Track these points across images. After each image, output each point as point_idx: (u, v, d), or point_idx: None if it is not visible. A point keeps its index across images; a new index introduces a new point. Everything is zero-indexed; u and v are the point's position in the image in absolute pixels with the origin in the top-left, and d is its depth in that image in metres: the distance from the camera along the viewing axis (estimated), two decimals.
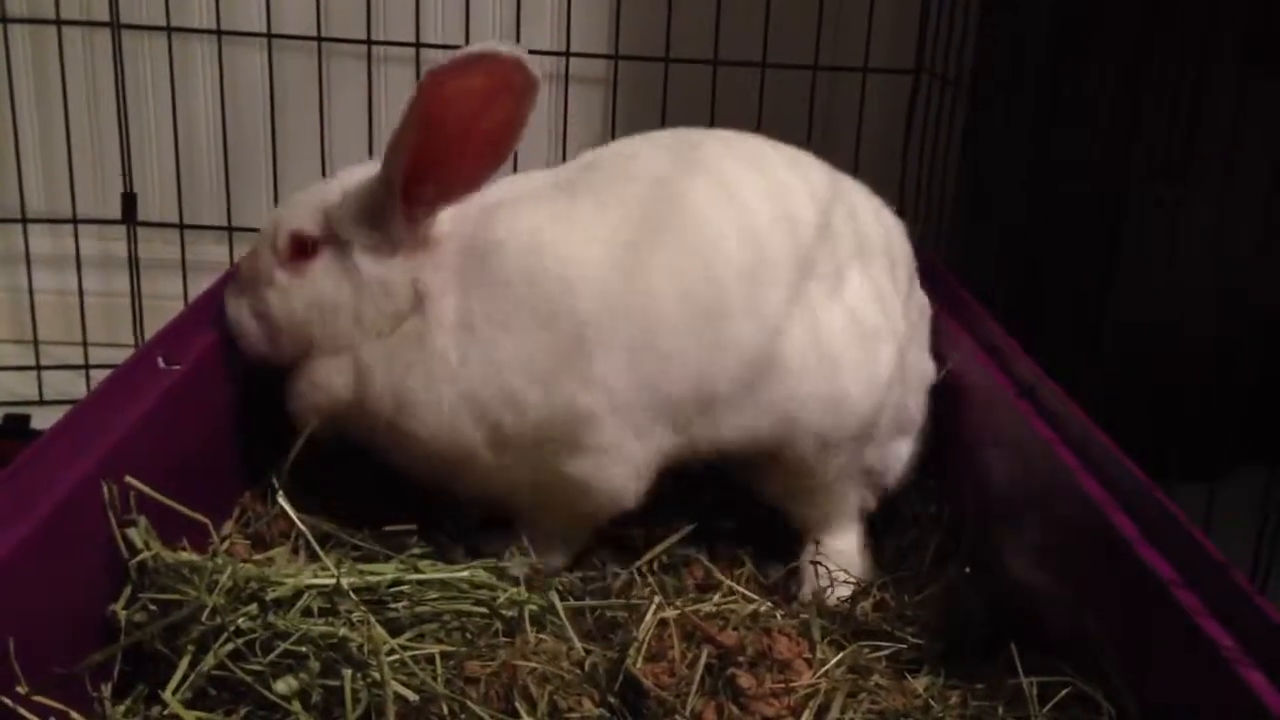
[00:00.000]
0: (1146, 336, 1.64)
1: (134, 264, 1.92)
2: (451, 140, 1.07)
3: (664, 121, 1.86)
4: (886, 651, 1.04)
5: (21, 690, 0.77)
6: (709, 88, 1.87)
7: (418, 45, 1.90)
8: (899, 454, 1.25)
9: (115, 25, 1.85)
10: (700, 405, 1.11)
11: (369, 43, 1.89)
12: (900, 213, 1.85)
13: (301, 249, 1.16)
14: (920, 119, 1.89)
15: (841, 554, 1.22)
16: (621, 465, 1.10)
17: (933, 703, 0.96)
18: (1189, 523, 0.87)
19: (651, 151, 1.19)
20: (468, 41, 1.90)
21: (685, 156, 1.17)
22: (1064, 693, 0.88)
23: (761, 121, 1.85)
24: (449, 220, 1.14)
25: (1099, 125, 1.68)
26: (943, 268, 1.50)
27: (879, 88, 1.95)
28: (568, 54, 1.93)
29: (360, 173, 1.17)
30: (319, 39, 1.89)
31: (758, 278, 1.12)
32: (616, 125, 1.95)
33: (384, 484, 1.22)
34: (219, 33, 1.90)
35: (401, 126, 1.05)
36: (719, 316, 1.10)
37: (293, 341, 1.16)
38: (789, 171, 1.20)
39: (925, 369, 1.27)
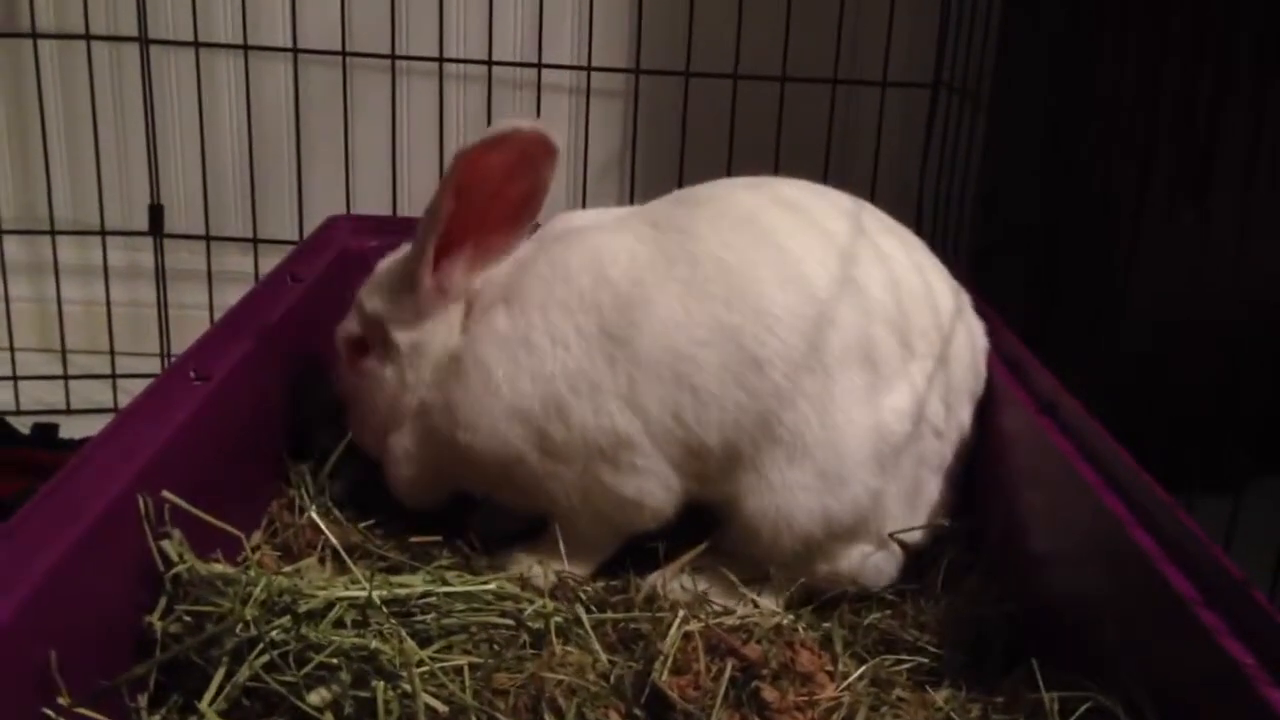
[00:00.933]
0: (1165, 348, 1.64)
1: (160, 275, 1.94)
2: (482, 209, 1.14)
3: (684, 135, 1.88)
4: (908, 665, 1.05)
5: (63, 702, 0.78)
6: (729, 102, 1.88)
7: (441, 60, 1.92)
8: (871, 563, 1.17)
9: (143, 40, 1.88)
10: (727, 456, 1.13)
11: (393, 57, 1.92)
12: (918, 226, 1.86)
13: (357, 349, 1.24)
14: (939, 133, 1.90)
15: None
16: (660, 487, 1.14)
17: (954, 715, 0.97)
18: (1209, 540, 0.88)
19: (743, 193, 1.21)
20: (490, 55, 1.92)
21: (778, 203, 1.19)
22: (1084, 707, 0.89)
23: (781, 135, 1.87)
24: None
25: (1116, 139, 1.69)
26: (961, 281, 1.50)
27: (898, 102, 1.96)
28: (589, 68, 1.94)
29: (387, 263, 1.25)
30: (343, 53, 1.91)
31: (806, 361, 1.12)
32: (637, 139, 1.97)
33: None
34: (245, 47, 1.93)
35: (435, 200, 1.11)
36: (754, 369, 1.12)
37: (373, 433, 1.24)
38: (896, 252, 1.21)
39: (931, 492, 1.20)
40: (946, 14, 1.89)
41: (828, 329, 1.12)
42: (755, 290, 1.12)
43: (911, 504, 1.18)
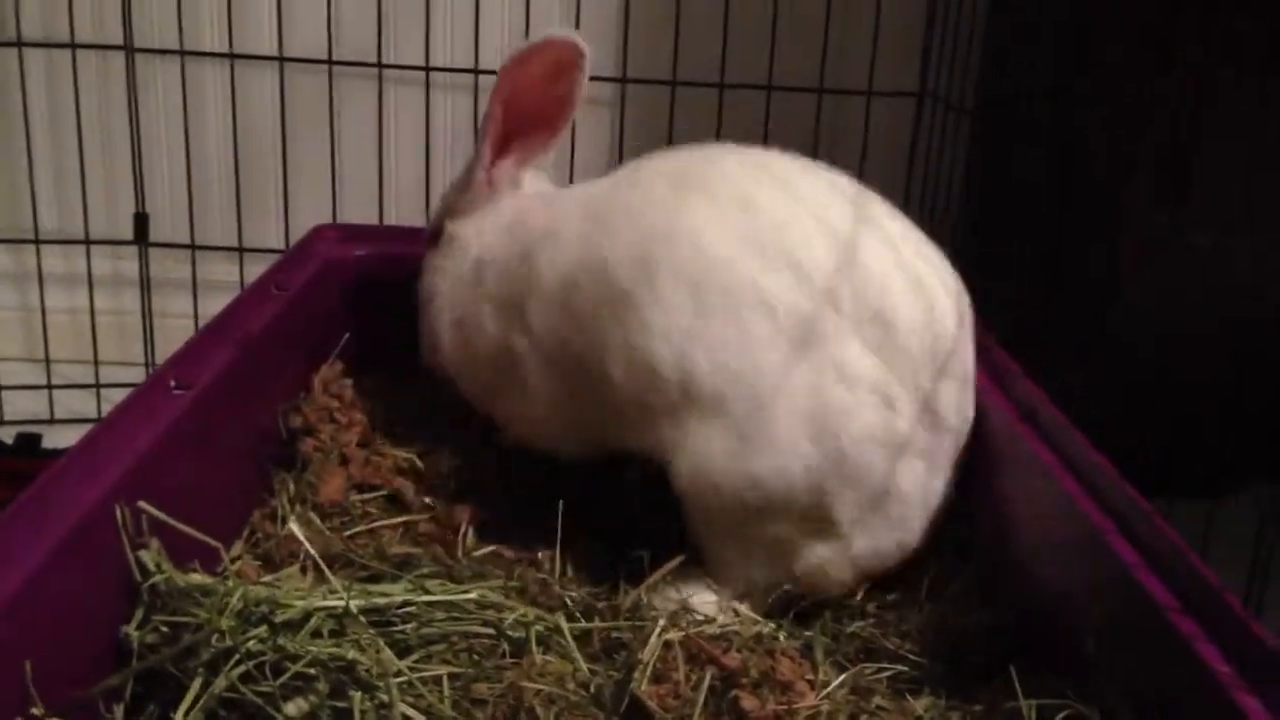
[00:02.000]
0: (1150, 356, 1.65)
1: (145, 284, 1.94)
2: (525, 113, 1.29)
3: (670, 144, 1.87)
4: (889, 673, 1.05)
5: (37, 712, 0.78)
6: (715, 110, 1.88)
7: (427, 69, 1.92)
8: (830, 560, 1.12)
9: (129, 49, 1.88)
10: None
11: (379, 66, 1.92)
12: None
13: (432, 238, 1.39)
14: (924, 142, 1.90)
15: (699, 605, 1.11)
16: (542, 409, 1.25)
17: None
18: (1187, 548, 0.88)
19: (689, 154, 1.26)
20: (477, 64, 1.93)
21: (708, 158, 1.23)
22: (1062, 715, 0.89)
23: (767, 144, 1.87)
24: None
25: (1101, 149, 1.70)
26: None
27: (883, 111, 1.97)
28: None
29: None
30: (329, 62, 1.92)
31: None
32: (624, 148, 1.97)
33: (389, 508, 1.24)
34: (231, 56, 1.93)
35: (489, 109, 1.28)
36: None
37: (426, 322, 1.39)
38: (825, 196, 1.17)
39: (929, 488, 1.13)
40: (932, 24, 1.89)
41: (722, 269, 1.09)
42: (648, 222, 1.15)
43: (876, 503, 1.10)
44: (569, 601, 1.11)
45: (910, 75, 1.96)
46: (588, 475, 1.30)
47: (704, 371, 1.08)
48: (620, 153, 1.97)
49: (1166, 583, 0.87)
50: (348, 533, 1.22)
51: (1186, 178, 1.64)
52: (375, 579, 1.12)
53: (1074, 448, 1.08)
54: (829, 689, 0.98)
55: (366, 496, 1.29)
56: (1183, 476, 1.06)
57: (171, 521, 0.96)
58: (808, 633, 1.11)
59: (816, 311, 1.07)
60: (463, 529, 1.25)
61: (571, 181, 1.97)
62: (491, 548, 1.23)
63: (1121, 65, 1.69)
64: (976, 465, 1.24)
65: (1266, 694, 0.76)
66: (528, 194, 1.34)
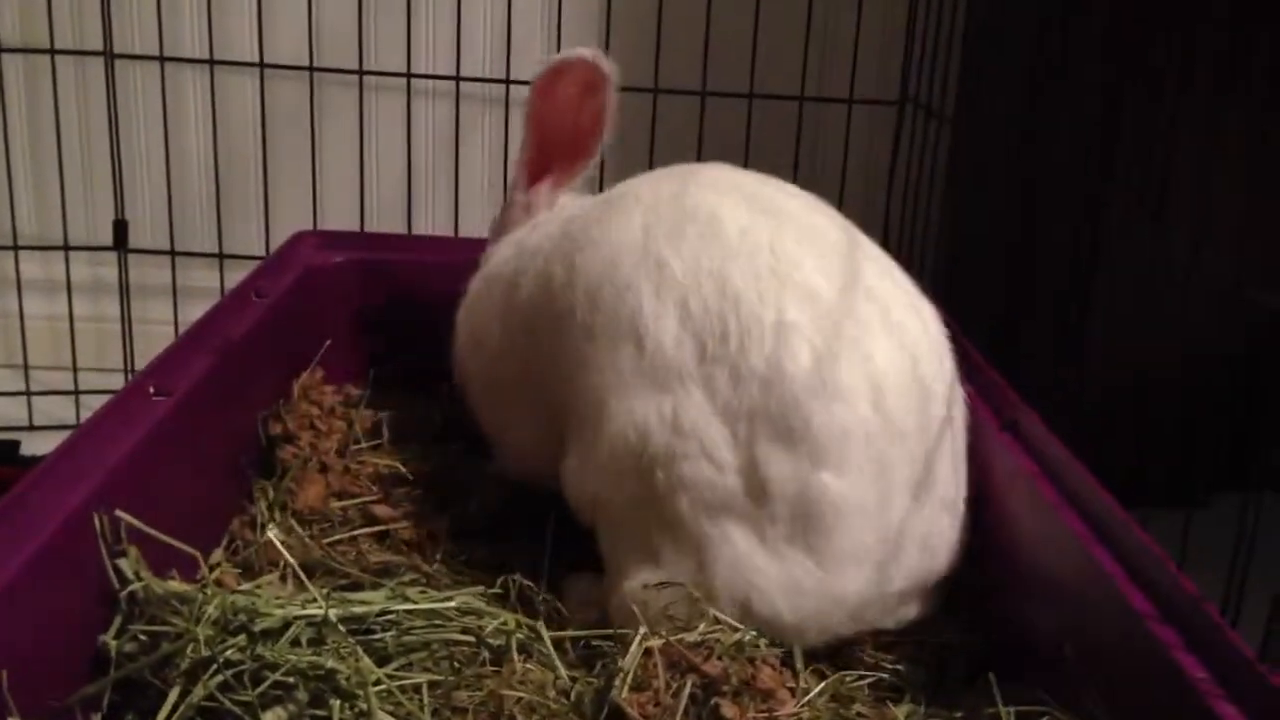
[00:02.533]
0: (1128, 363, 1.66)
1: (125, 290, 1.93)
2: (558, 136, 1.30)
3: (652, 150, 1.88)
4: (869, 680, 1.05)
5: None
6: (697, 118, 1.89)
7: (409, 75, 1.92)
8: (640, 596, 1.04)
9: (108, 55, 1.87)
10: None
11: (360, 73, 1.91)
12: (885, 241, 1.87)
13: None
14: (905, 149, 1.91)
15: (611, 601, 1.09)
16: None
17: None
18: (1166, 556, 0.89)
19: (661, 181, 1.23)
20: (458, 72, 1.93)
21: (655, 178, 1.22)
22: None
23: (749, 152, 1.88)
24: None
25: (1079, 157, 1.71)
26: (926, 297, 1.51)
27: (865, 119, 1.97)
28: None
29: None
30: (310, 69, 1.91)
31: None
32: (605, 155, 1.97)
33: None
34: (211, 62, 1.92)
35: (524, 132, 1.30)
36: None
37: None
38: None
39: (818, 485, 1.00)
40: (912, 32, 1.90)
41: (617, 296, 1.08)
42: (574, 244, 1.16)
43: (697, 551, 1.02)
44: (553, 610, 1.11)
45: (891, 83, 1.97)
46: None
47: (574, 392, 1.11)
48: (601, 161, 1.97)
49: (1145, 591, 0.88)
50: (327, 540, 1.22)
51: (1162, 187, 1.65)
52: (355, 587, 1.12)
53: (1054, 457, 1.09)
54: (809, 696, 0.98)
55: (346, 504, 1.28)
56: (1161, 485, 1.07)
57: (148, 530, 0.95)
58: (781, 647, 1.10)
59: (677, 354, 1.03)
60: (443, 537, 1.25)
61: None
62: (472, 555, 1.23)
63: (1095, 75, 1.70)
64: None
65: (1244, 702, 0.76)
66: (545, 214, 1.34)
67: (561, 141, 1.30)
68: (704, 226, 1.08)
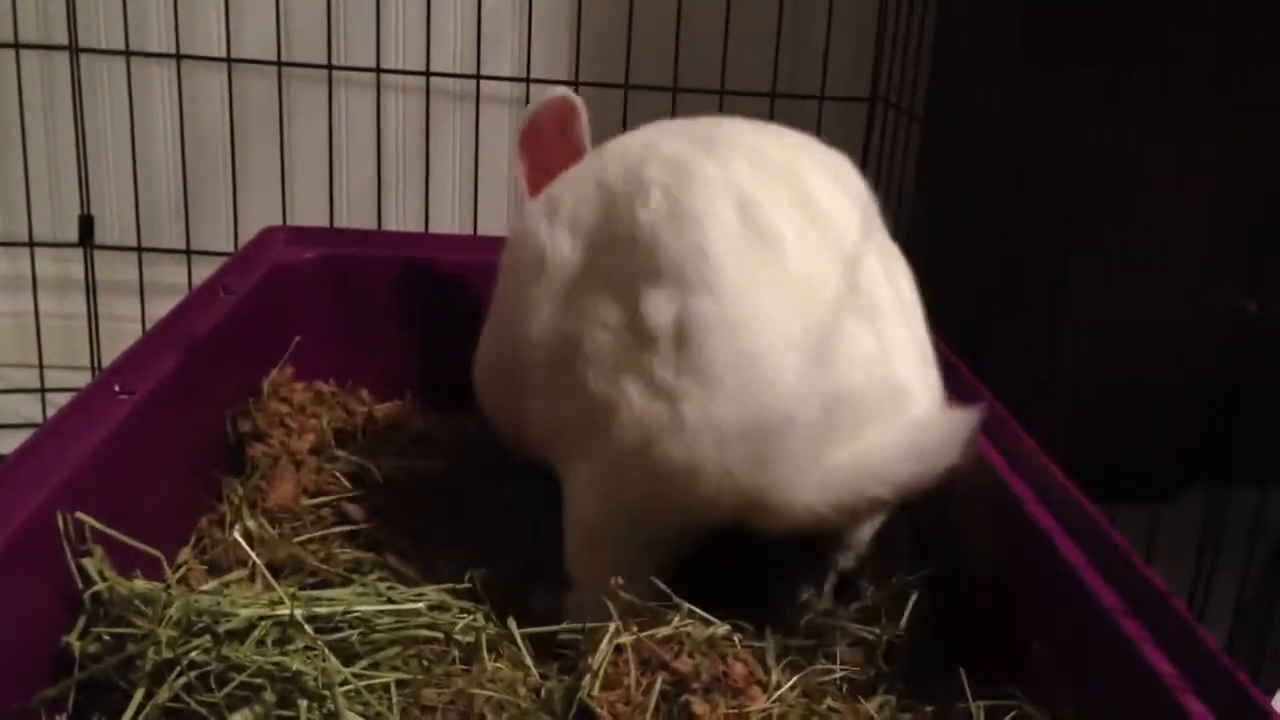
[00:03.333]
0: (1100, 361, 1.67)
1: (91, 286, 1.91)
2: (547, 158, 1.28)
3: None
4: (841, 675, 1.05)
5: None
6: (669, 114, 1.88)
7: (378, 70, 1.91)
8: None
9: (74, 49, 1.85)
10: None
11: (329, 67, 1.90)
12: None
13: None
14: (876, 147, 1.91)
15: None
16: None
17: None
18: (1133, 551, 0.90)
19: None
20: (428, 67, 1.92)
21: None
22: (1010, 716, 0.90)
23: None
24: None
25: (1052, 156, 1.72)
26: None
27: (836, 116, 1.98)
28: (528, 80, 1.94)
29: None
30: (279, 63, 1.90)
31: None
32: None
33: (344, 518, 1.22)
34: (178, 56, 1.91)
35: (519, 157, 1.29)
36: None
37: None
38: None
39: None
40: (883, 29, 1.91)
41: (523, 240, 1.16)
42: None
43: (608, 423, 1.00)
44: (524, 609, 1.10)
45: (862, 80, 1.97)
46: (543, 481, 1.30)
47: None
48: None
49: (1113, 586, 0.88)
50: (298, 539, 1.21)
51: (1132, 188, 1.66)
52: (326, 585, 1.11)
53: (1023, 452, 1.09)
54: (780, 691, 0.98)
55: (318, 501, 1.27)
56: (1132, 481, 1.07)
57: (109, 531, 0.94)
58: (761, 642, 1.10)
59: (571, 258, 1.09)
60: (416, 534, 1.24)
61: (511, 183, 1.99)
62: (444, 552, 1.23)
63: (1067, 74, 1.71)
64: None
65: (1210, 696, 0.77)
66: None
67: (553, 159, 1.30)
68: (594, 157, 1.17)
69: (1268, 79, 1.64)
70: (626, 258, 1.02)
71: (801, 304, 0.98)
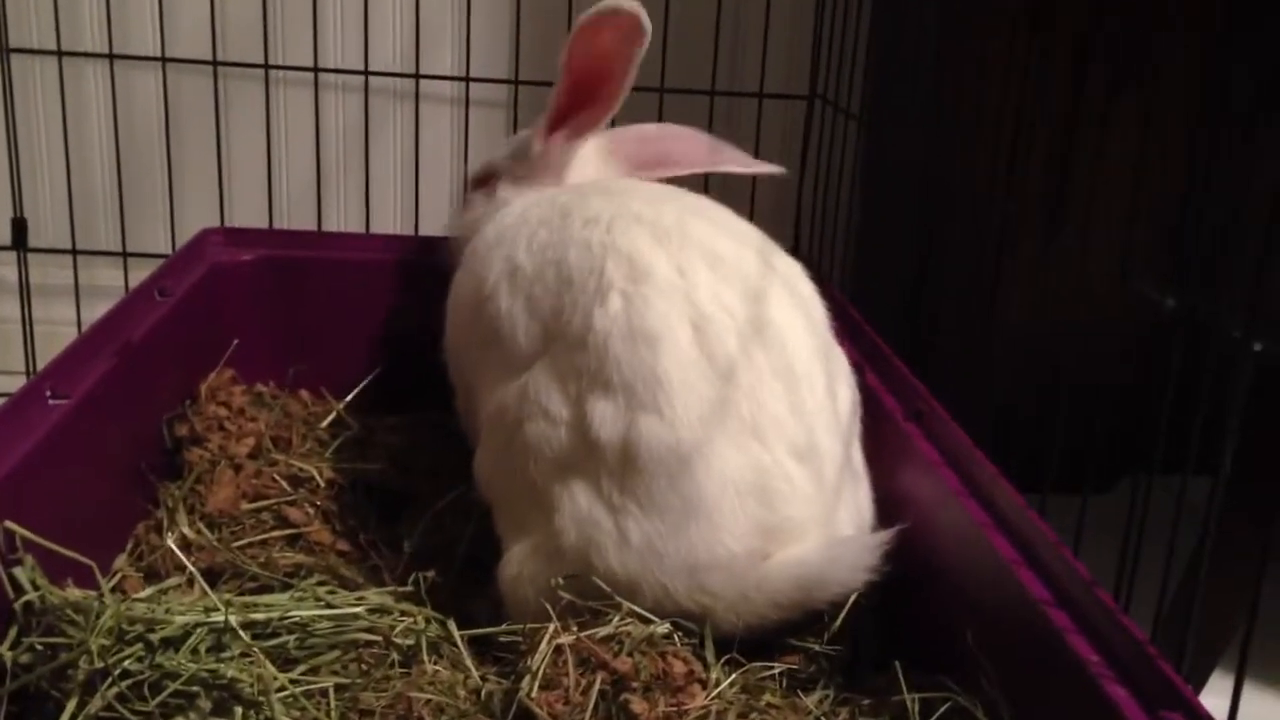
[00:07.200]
0: (1032, 354, 1.69)
1: (25, 290, 1.88)
2: (586, 84, 1.30)
3: None
4: (779, 670, 1.06)
5: None
6: None
7: (316, 70, 1.89)
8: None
9: (4, 49, 1.82)
10: None
11: (266, 67, 1.88)
12: (796, 237, 1.89)
13: (481, 181, 1.43)
14: (815, 145, 1.93)
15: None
16: None
17: (822, 719, 0.98)
18: (1060, 542, 0.91)
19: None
20: (366, 66, 1.90)
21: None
22: (944, 707, 0.92)
23: None
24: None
25: (985, 154, 1.74)
26: (835, 289, 1.53)
27: (777, 114, 1.99)
28: (468, 79, 1.93)
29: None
30: (214, 63, 1.88)
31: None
32: None
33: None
34: (111, 56, 1.88)
35: (560, 77, 1.30)
36: None
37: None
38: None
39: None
40: (820, 27, 1.92)
41: (484, 305, 1.16)
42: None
43: (548, 513, 1.02)
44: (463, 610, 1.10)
45: (802, 78, 1.98)
46: None
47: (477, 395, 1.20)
48: None
49: (1040, 576, 0.90)
50: (238, 543, 1.20)
51: (1064, 183, 1.69)
52: (265, 589, 1.11)
53: (956, 446, 1.11)
54: (719, 688, 0.98)
55: (258, 506, 1.27)
56: (1066, 471, 1.09)
57: (38, 539, 0.93)
58: (694, 639, 1.11)
59: (527, 342, 1.10)
60: (356, 538, 1.24)
61: (467, 188, 1.98)
62: (384, 555, 1.22)
63: (997, 73, 1.74)
64: (869, 464, 1.26)
65: (1134, 684, 0.78)
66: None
67: (592, 88, 1.31)
68: (559, 219, 1.15)
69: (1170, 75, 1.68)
70: (579, 358, 1.03)
71: (748, 441, 1.00)
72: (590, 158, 1.40)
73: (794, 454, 1.02)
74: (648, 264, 1.05)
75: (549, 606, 1.00)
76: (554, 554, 1.02)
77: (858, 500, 1.10)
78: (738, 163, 1.50)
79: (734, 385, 1.01)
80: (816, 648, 1.06)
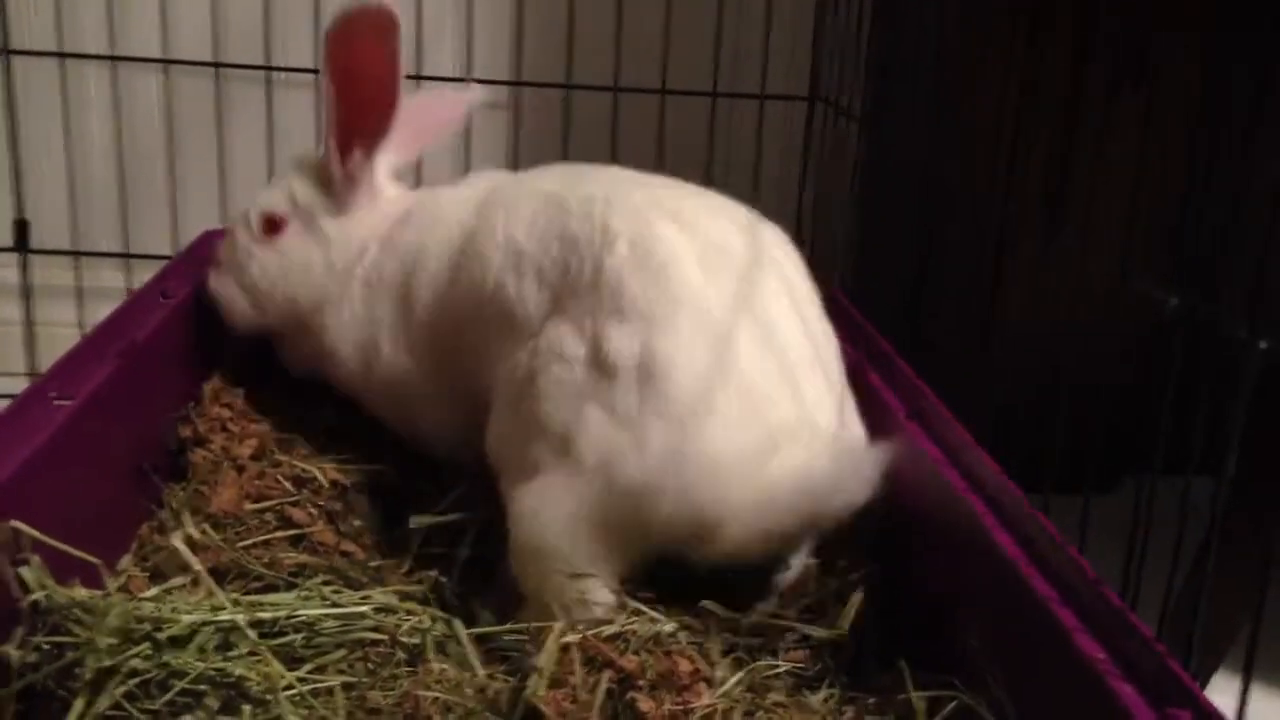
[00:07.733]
0: (1034, 353, 1.69)
1: (27, 292, 1.88)
2: (358, 94, 1.29)
3: (566, 145, 1.88)
4: (785, 669, 1.07)
5: None
6: (610, 114, 1.89)
7: (316, 71, 1.90)
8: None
9: (4, 51, 1.82)
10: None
11: (267, 68, 1.89)
12: (798, 237, 1.88)
13: (273, 226, 1.39)
14: (816, 145, 1.93)
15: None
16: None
17: (828, 718, 0.98)
18: (1065, 541, 0.91)
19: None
20: None
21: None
22: (950, 706, 0.92)
23: (663, 147, 1.89)
24: (395, 191, 1.41)
25: (985, 155, 1.74)
26: (837, 290, 1.53)
27: (778, 115, 1.99)
28: (468, 79, 1.94)
29: (304, 157, 1.42)
30: (215, 64, 1.88)
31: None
32: (519, 151, 1.97)
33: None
34: (113, 58, 1.88)
35: (326, 91, 1.28)
36: None
37: (276, 304, 1.39)
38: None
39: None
40: (821, 29, 1.92)
41: (495, 294, 1.18)
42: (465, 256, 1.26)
43: (565, 446, 1.05)
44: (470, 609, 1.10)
45: (803, 80, 1.99)
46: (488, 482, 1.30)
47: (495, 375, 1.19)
48: (516, 156, 1.97)
49: (1046, 575, 0.90)
50: (242, 544, 1.20)
51: (1064, 183, 1.69)
52: (270, 589, 1.11)
53: (958, 444, 1.11)
54: (726, 687, 0.99)
55: (261, 506, 1.27)
56: (1067, 471, 1.10)
57: (45, 539, 0.93)
58: (700, 638, 1.11)
59: (538, 309, 1.14)
60: (361, 538, 1.24)
61: None
62: (389, 554, 1.23)
63: (997, 74, 1.74)
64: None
65: (1142, 681, 0.78)
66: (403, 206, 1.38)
67: (365, 96, 1.30)
68: (550, 202, 1.18)
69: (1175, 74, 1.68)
70: (591, 299, 1.08)
71: (761, 350, 1.06)
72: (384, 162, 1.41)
73: (804, 361, 1.08)
74: (649, 217, 1.11)
75: (564, 552, 1.02)
76: (573, 479, 1.03)
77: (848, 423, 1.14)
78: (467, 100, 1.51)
79: (744, 301, 1.06)
80: (821, 633, 1.06)
